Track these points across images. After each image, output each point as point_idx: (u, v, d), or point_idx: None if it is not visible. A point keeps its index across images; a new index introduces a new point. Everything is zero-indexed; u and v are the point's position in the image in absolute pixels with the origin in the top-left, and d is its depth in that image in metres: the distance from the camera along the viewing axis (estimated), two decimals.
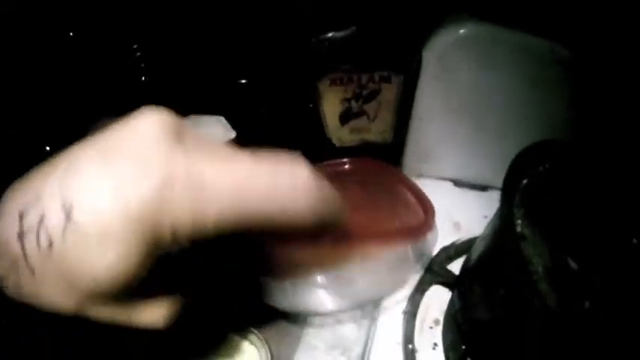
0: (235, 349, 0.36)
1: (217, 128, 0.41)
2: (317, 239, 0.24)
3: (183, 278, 0.23)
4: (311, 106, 0.40)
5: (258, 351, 0.35)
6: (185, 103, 0.44)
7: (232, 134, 0.42)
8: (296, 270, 0.35)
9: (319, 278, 0.34)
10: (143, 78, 0.44)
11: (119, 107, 0.44)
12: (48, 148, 0.39)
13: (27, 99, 0.38)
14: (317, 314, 0.37)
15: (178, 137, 0.18)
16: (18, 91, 0.38)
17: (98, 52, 0.41)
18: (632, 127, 0.33)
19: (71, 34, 0.40)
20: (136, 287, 0.18)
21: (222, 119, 0.42)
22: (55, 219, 0.17)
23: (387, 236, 0.34)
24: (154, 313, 0.21)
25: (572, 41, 0.34)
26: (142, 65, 0.43)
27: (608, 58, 0.33)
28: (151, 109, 0.19)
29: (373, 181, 0.42)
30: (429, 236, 0.37)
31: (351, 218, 0.35)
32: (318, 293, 0.35)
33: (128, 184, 0.17)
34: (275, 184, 0.18)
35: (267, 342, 0.35)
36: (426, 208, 0.38)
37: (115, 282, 0.17)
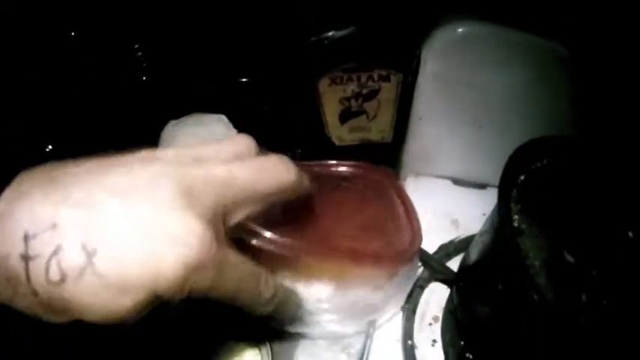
0: (236, 345, 0.36)
1: (218, 127, 0.41)
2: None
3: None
4: (311, 104, 0.40)
5: (259, 347, 0.35)
6: (186, 102, 0.44)
7: (233, 132, 0.43)
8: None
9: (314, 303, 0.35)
10: (144, 78, 0.44)
11: (120, 107, 0.44)
12: (50, 147, 0.39)
13: (27, 99, 0.39)
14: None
15: (192, 200, 0.19)
16: (18, 91, 0.38)
17: (99, 52, 0.42)
18: (629, 124, 0.34)
19: (73, 33, 0.40)
20: None
21: (224, 117, 0.43)
22: (73, 257, 0.17)
23: (364, 256, 0.33)
24: None
25: (572, 40, 0.34)
26: (143, 65, 0.44)
27: (607, 57, 0.34)
28: (161, 162, 0.20)
29: (372, 189, 0.41)
30: (407, 268, 0.36)
31: (337, 228, 0.35)
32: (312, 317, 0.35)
33: (164, 255, 0.18)
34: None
35: (267, 338, 0.35)
36: (413, 238, 0.35)
37: (122, 319, 0.18)
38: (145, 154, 0.20)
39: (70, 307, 0.17)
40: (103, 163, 0.19)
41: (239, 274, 0.22)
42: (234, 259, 0.22)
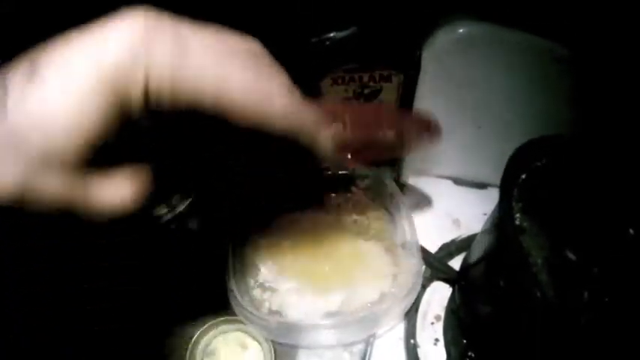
0: (239, 343, 0.36)
1: None
2: None
3: (153, 153, 0.20)
4: None
5: (262, 346, 0.35)
6: None
7: None
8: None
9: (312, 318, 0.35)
10: None
11: None
12: None
13: None
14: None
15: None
16: None
17: None
18: (628, 123, 0.34)
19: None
20: (96, 155, 0.17)
21: None
22: (17, 75, 0.16)
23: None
24: (115, 190, 0.19)
25: (571, 40, 0.34)
26: None
27: (606, 57, 0.34)
28: (134, 10, 0.18)
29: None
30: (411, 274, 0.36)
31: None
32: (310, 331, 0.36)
33: (105, 33, 0.17)
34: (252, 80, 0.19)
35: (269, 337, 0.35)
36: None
37: (73, 142, 0.16)
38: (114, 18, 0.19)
39: (15, 137, 0.16)
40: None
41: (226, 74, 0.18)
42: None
